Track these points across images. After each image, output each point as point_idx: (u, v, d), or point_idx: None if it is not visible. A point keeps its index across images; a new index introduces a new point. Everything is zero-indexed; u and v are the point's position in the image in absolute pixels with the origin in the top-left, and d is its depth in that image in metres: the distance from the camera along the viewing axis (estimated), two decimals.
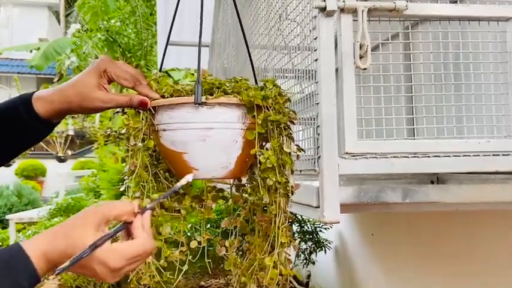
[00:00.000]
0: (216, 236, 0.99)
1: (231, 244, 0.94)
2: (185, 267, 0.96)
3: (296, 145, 0.89)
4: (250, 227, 0.93)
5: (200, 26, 0.88)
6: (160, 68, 1.01)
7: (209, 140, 0.83)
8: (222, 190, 0.99)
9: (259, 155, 0.83)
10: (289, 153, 0.85)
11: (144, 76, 0.89)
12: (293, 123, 0.87)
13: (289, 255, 0.89)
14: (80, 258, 0.65)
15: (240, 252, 0.95)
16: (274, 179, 0.83)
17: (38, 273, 0.65)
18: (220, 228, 0.99)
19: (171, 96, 0.85)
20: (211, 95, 0.82)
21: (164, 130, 0.85)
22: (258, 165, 0.84)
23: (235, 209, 0.96)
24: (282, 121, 0.84)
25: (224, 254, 0.95)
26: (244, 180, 0.97)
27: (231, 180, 0.98)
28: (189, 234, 1.02)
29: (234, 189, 0.98)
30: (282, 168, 0.84)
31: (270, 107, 0.84)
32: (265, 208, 0.87)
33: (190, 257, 0.96)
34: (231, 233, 0.95)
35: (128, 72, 0.88)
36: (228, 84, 0.85)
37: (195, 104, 0.81)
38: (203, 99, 0.81)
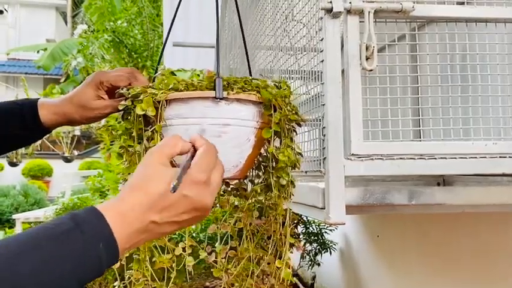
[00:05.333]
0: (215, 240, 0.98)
1: (224, 250, 0.94)
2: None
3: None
4: (251, 228, 0.92)
5: (217, 25, 0.88)
6: (157, 68, 1.01)
7: (224, 137, 0.81)
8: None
9: (278, 153, 0.83)
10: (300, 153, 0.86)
11: (139, 72, 0.93)
12: (299, 125, 0.87)
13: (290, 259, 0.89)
14: (181, 176, 0.60)
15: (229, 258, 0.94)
16: (287, 179, 0.83)
17: (113, 235, 0.56)
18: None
19: (185, 90, 0.83)
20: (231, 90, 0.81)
21: (172, 125, 0.83)
22: (272, 164, 0.85)
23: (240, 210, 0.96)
24: (298, 121, 0.85)
25: (214, 261, 0.94)
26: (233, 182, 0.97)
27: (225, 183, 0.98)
28: (194, 235, 1.02)
29: (223, 191, 0.98)
30: (292, 168, 0.85)
31: (287, 106, 0.84)
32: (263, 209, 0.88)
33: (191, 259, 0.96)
34: (221, 238, 0.95)
35: (121, 73, 0.94)
36: (245, 82, 0.84)
37: (216, 98, 0.79)
38: (224, 94, 0.79)
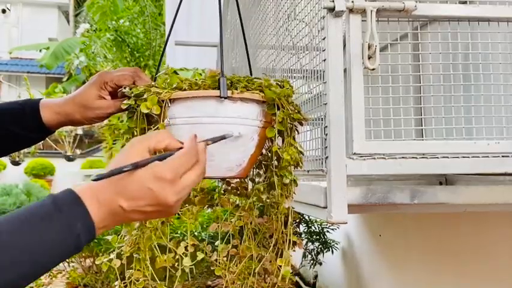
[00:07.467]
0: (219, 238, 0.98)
1: (225, 249, 0.94)
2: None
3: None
4: (252, 227, 0.92)
5: (220, 25, 0.88)
6: (158, 68, 1.01)
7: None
8: (212, 192, 0.98)
9: (282, 151, 0.83)
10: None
11: (142, 71, 0.93)
12: (301, 124, 0.87)
13: (291, 256, 0.89)
14: (120, 171, 0.61)
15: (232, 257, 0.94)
16: (290, 178, 0.83)
17: (90, 215, 0.60)
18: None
19: (189, 89, 0.83)
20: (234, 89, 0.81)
21: (176, 124, 0.82)
22: (275, 163, 0.85)
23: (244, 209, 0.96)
24: (301, 119, 0.85)
25: (216, 259, 0.94)
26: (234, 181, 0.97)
27: (220, 182, 0.98)
28: (196, 233, 1.02)
29: (223, 190, 0.97)
30: (294, 167, 0.85)
31: (291, 105, 0.84)
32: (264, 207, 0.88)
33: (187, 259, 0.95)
34: (222, 237, 0.95)
35: (125, 72, 0.94)
36: (247, 81, 0.84)
37: (221, 97, 0.79)
38: (228, 93, 0.79)
